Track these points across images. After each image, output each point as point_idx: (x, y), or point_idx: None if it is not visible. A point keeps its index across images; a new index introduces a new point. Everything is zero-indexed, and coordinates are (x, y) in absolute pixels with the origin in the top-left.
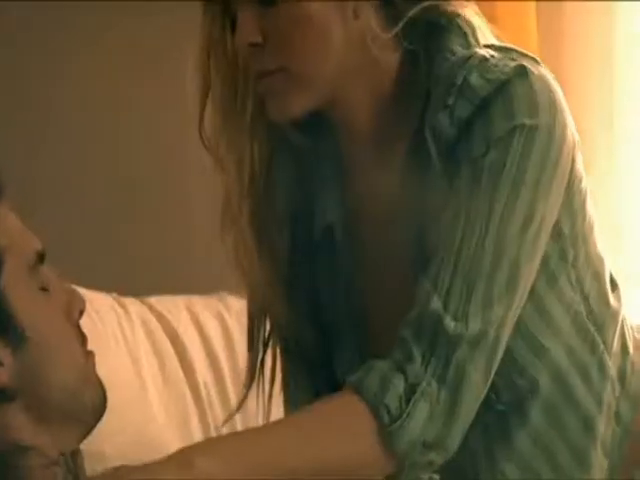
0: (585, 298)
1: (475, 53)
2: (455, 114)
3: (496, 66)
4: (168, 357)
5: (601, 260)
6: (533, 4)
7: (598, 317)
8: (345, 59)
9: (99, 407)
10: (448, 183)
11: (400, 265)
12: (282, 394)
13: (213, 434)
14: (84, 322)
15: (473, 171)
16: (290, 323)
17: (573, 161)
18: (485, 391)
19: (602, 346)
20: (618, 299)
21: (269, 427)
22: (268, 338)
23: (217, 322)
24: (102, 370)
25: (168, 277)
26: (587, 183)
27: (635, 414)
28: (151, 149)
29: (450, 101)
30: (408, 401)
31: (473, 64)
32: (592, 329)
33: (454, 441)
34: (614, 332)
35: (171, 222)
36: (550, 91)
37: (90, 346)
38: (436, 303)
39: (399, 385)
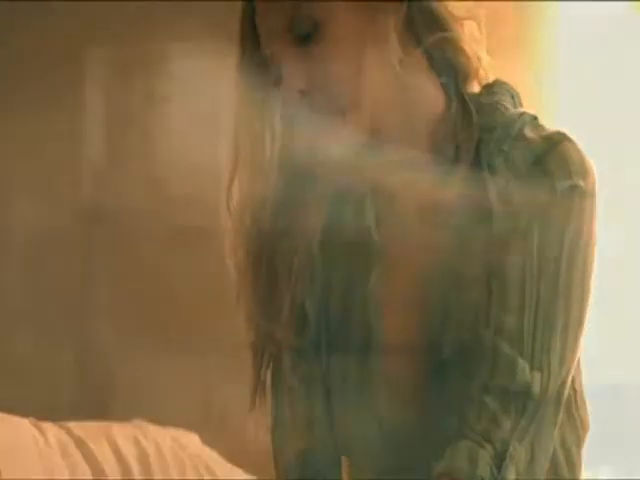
0: (572, 381)
1: (525, 112)
2: (510, 160)
3: (544, 127)
4: None
5: (579, 362)
6: None
7: (581, 412)
8: (382, 86)
9: None
10: (503, 228)
11: (430, 291)
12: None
13: None
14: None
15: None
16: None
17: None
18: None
19: (582, 441)
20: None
21: None
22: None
23: (134, 447)
24: None
25: (86, 404)
26: None
27: None
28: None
29: (505, 147)
30: (499, 468)
31: (525, 120)
32: (578, 419)
33: None
34: (584, 444)
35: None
36: (589, 160)
37: (7, 470)
38: (525, 373)
39: (487, 456)
